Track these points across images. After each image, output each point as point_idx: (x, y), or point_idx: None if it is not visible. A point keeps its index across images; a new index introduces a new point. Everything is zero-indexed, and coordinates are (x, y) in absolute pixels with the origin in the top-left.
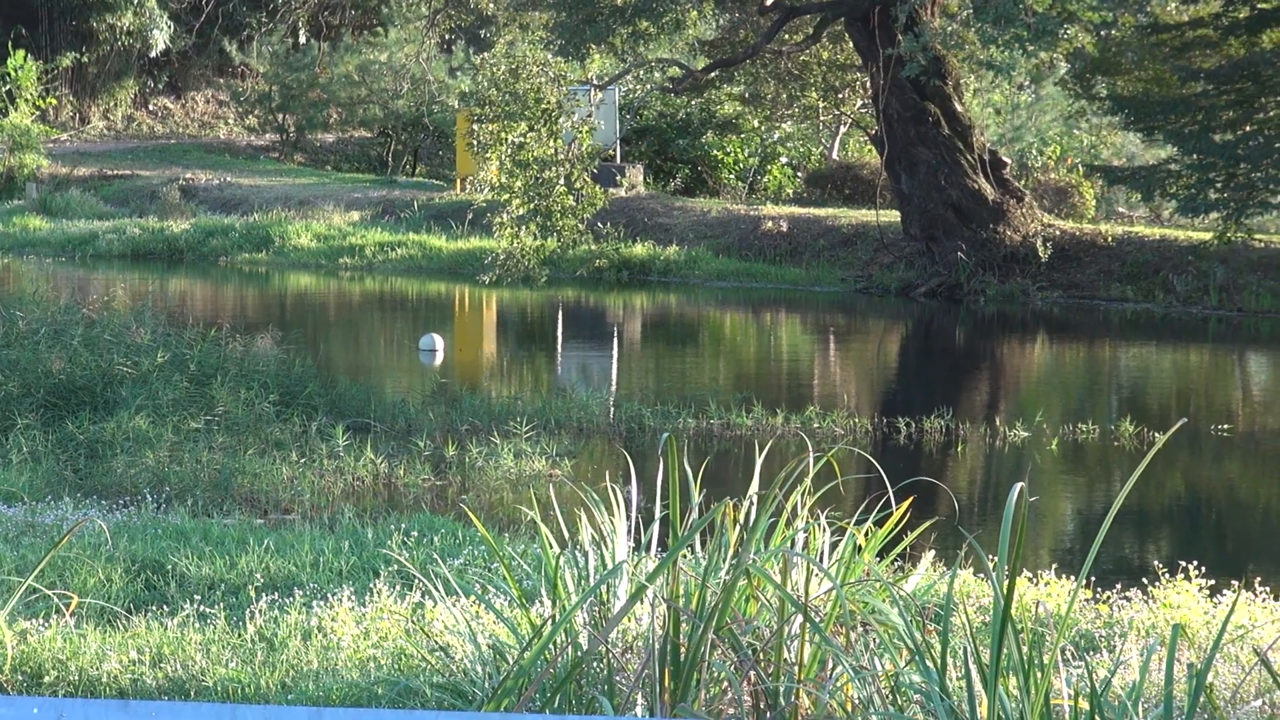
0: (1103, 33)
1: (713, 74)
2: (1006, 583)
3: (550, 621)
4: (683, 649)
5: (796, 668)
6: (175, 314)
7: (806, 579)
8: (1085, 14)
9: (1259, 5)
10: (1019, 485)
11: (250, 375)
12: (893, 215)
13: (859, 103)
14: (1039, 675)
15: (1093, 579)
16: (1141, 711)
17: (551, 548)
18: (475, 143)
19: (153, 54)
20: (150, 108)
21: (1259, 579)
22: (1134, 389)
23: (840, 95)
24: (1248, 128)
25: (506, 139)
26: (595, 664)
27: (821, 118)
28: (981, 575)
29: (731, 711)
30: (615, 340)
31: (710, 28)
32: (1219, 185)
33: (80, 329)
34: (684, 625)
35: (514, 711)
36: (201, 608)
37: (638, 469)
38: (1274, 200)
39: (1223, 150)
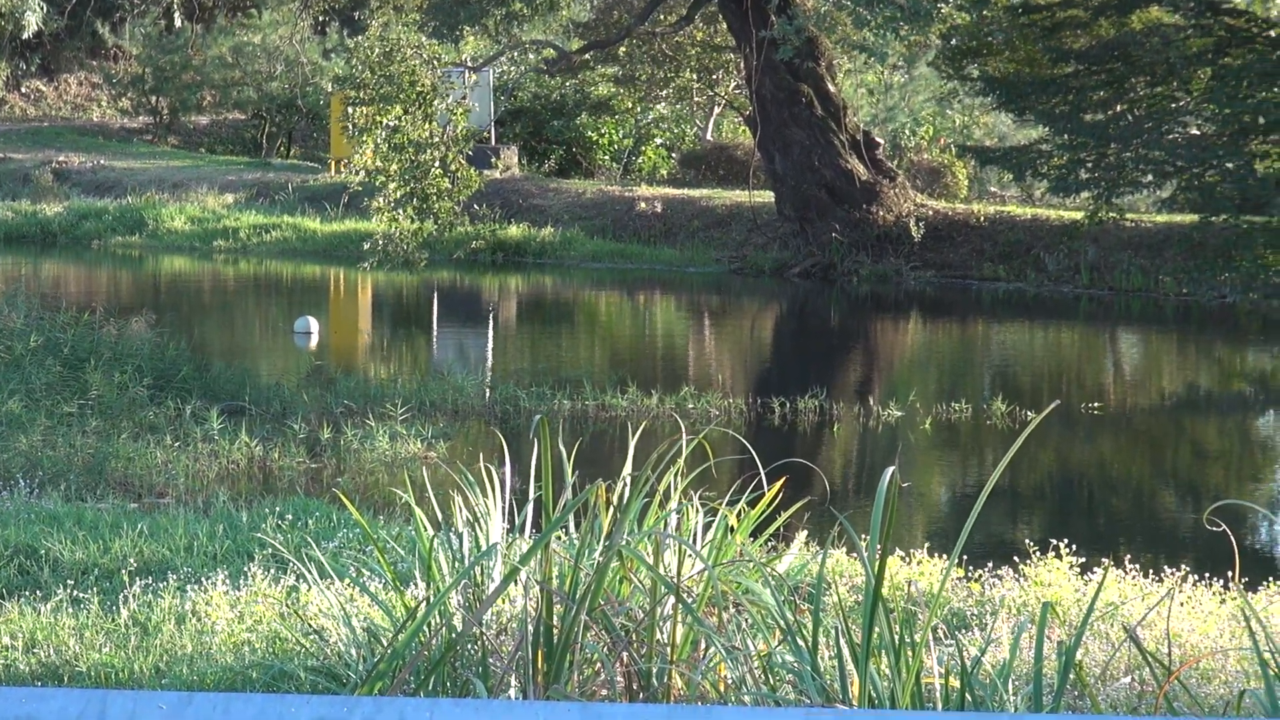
0: (974, 14)
1: (587, 55)
2: (878, 562)
3: (424, 604)
4: (556, 631)
5: (669, 649)
6: (48, 298)
7: (679, 560)
8: None
9: None
10: (890, 469)
11: (124, 359)
12: (766, 196)
13: (733, 84)
14: (910, 654)
15: (965, 558)
16: (1012, 689)
17: (426, 530)
18: (350, 125)
19: (25, 36)
20: (23, 90)
21: (1129, 556)
22: (1006, 368)
23: (714, 76)
24: (1118, 108)
25: (381, 122)
26: (469, 646)
27: (695, 99)
28: (854, 555)
29: (605, 693)
30: (491, 322)
31: (584, 9)
32: (1090, 165)
33: None
34: (557, 607)
35: (388, 694)
36: (75, 593)
37: (513, 451)
38: (1144, 180)
39: (1093, 130)
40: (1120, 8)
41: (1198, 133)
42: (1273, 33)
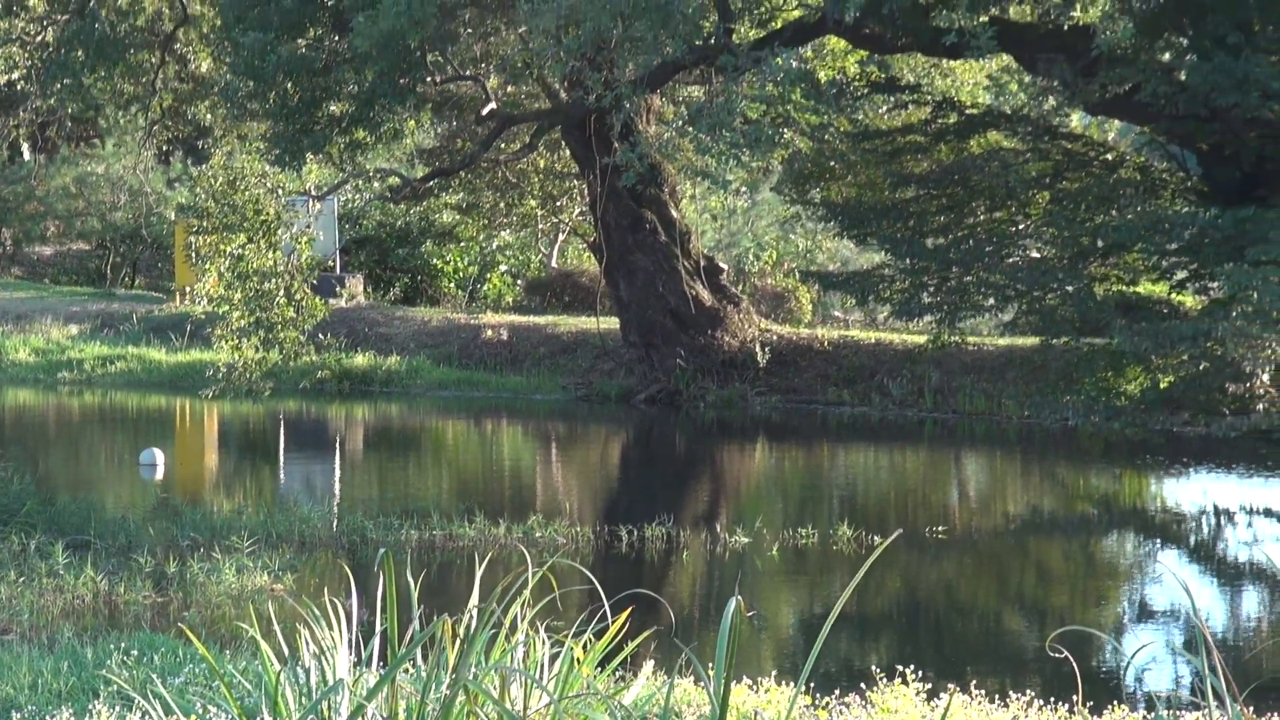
0: (816, 140)
1: (431, 183)
2: (723, 692)
3: None
4: None
5: None
6: None
7: (525, 694)
8: (800, 117)
9: (967, 111)
10: (734, 598)
11: None
12: (612, 322)
13: (577, 210)
14: None
15: (812, 685)
16: None
17: (272, 664)
18: (194, 254)
19: None
20: None
21: (975, 681)
22: (852, 493)
23: (558, 203)
24: (959, 232)
25: (225, 250)
26: None
27: (540, 225)
28: (702, 684)
29: None
30: (338, 451)
31: (429, 136)
32: (932, 289)
33: None
34: None
35: None
36: None
37: (360, 582)
38: (985, 304)
39: (935, 255)
40: (959, 133)
41: (1038, 256)
42: (1109, 156)
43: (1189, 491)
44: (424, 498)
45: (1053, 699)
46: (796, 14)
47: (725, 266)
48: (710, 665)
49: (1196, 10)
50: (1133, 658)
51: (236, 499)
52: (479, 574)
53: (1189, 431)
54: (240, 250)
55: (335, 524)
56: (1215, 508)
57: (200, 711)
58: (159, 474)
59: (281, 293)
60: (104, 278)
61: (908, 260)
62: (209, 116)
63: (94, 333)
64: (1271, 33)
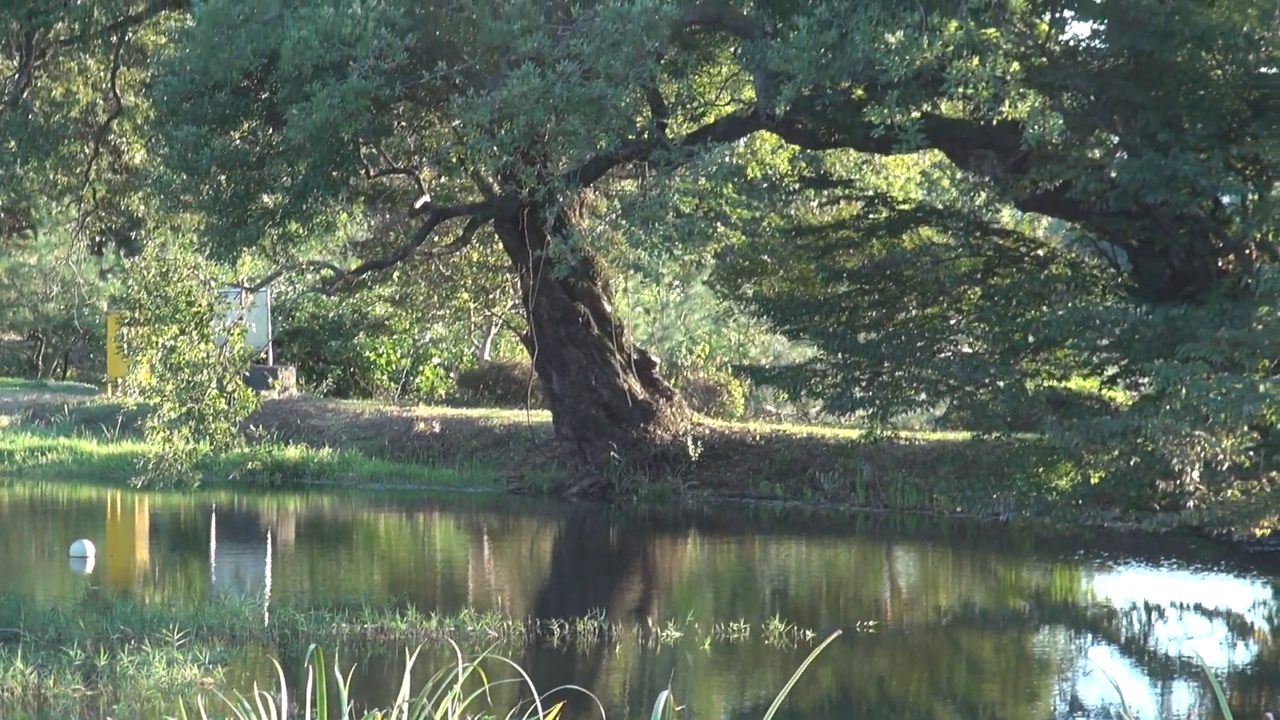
0: (749, 234)
1: (364, 275)
2: None
3: None
4: None
5: None
6: None
7: None
8: (733, 211)
9: (899, 206)
10: (664, 693)
11: None
12: (545, 415)
13: (510, 303)
14: None
15: None
16: None
17: None
18: (125, 346)
19: None
20: None
21: None
22: (784, 586)
23: (491, 296)
24: (891, 327)
25: (157, 342)
26: None
27: (473, 318)
28: None
29: None
30: (269, 544)
31: (362, 229)
32: (864, 384)
33: None
34: None
35: None
36: None
37: (290, 676)
38: (917, 398)
39: (867, 349)
40: (891, 228)
41: (969, 351)
42: (1040, 252)
43: (1120, 586)
44: (355, 590)
45: None
46: (729, 109)
47: (658, 360)
48: None
49: (1126, 108)
50: None
51: (167, 591)
52: (409, 668)
53: (1119, 527)
54: (172, 342)
55: (266, 617)
56: (1146, 603)
57: None
58: (89, 566)
59: (213, 384)
60: (35, 369)
61: (840, 355)
62: (142, 208)
63: (25, 424)
64: (1200, 130)
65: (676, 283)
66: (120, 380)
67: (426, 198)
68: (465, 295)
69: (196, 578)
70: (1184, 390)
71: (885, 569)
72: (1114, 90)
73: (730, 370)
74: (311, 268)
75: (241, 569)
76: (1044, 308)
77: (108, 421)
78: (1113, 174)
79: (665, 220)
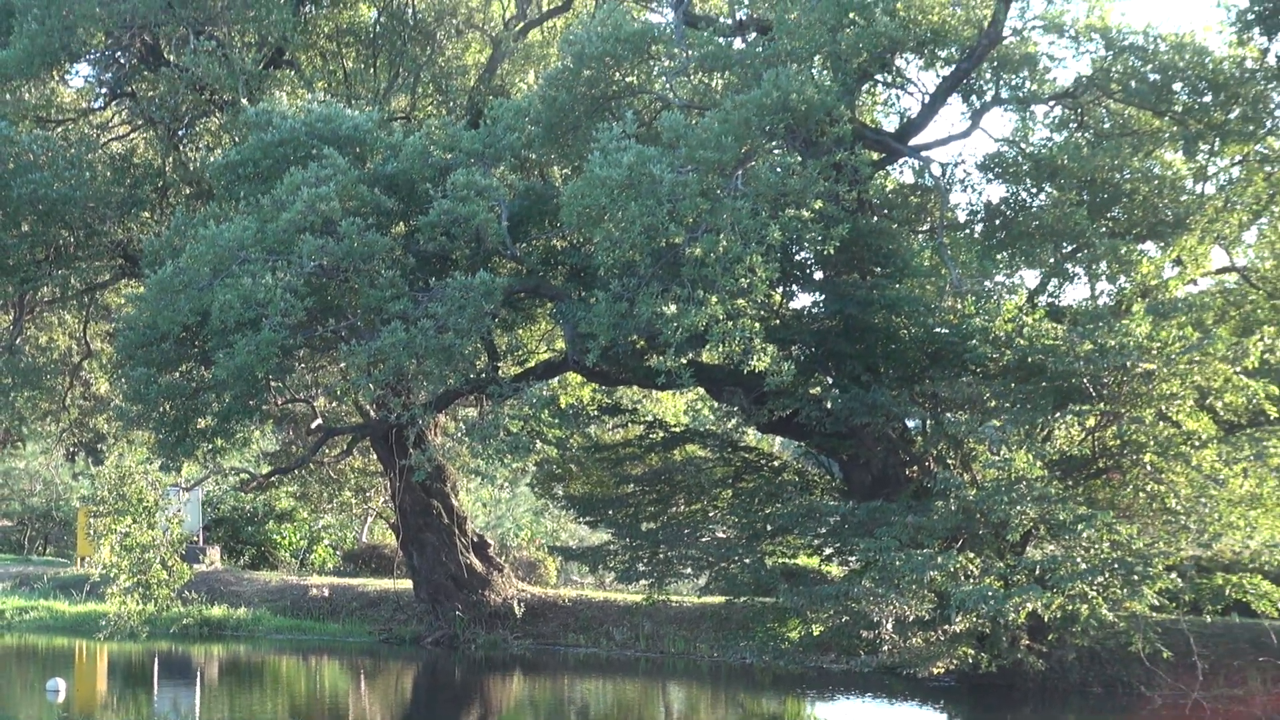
0: (560, 449)
1: (273, 478)
2: None
3: None
4: None
5: None
6: None
7: None
8: (548, 431)
9: (671, 429)
10: None
11: None
12: (407, 584)
13: (382, 499)
14: None
15: None
16: None
17: None
18: (92, 532)
19: None
20: None
21: None
22: (585, 713)
23: (368, 494)
24: (665, 518)
25: (116, 530)
26: None
27: (354, 510)
28: None
29: None
30: (199, 681)
31: (271, 443)
32: (645, 560)
33: None
34: None
35: None
36: None
37: None
38: (685, 571)
39: (647, 535)
40: (665, 445)
41: (724, 536)
42: (776, 463)
43: (835, 713)
44: (265, 714)
45: None
46: (546, 356)
47: (492, 542)
48: None
49: (838, 357)
50: None
51: (122, 717)
52: None
53: (835, 667)
54: (127, 529)
55: None
56: None
57: None
58: (61, 698)
59: (158, 561)
60: (22, 547)
61: (627, 539)
62: (106, 427)
63: (13, 589)
64: (892, 373)
65: (506, 484)
66: (87, 557)
67: (319, 420)
68: (348, 493)
69: (145, 706)
70: (881, 563)
71: (660, 699)
72: (830, 344)
73: (547, 549)
74: (233, 472)
75: (179, 700)
76: (778, 504)
77: (77, 588)
78: (829, 405)
79: (498, 438)
